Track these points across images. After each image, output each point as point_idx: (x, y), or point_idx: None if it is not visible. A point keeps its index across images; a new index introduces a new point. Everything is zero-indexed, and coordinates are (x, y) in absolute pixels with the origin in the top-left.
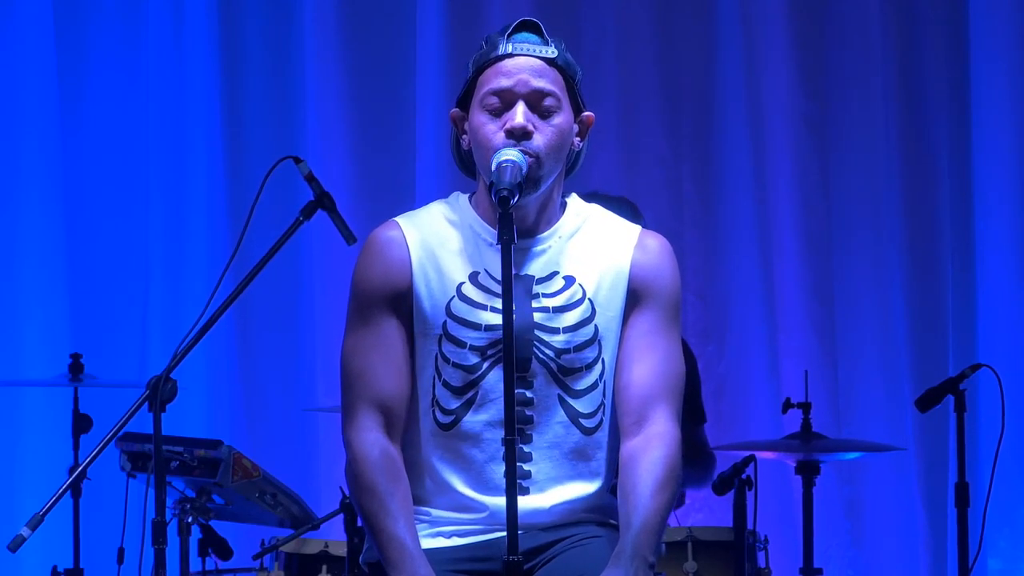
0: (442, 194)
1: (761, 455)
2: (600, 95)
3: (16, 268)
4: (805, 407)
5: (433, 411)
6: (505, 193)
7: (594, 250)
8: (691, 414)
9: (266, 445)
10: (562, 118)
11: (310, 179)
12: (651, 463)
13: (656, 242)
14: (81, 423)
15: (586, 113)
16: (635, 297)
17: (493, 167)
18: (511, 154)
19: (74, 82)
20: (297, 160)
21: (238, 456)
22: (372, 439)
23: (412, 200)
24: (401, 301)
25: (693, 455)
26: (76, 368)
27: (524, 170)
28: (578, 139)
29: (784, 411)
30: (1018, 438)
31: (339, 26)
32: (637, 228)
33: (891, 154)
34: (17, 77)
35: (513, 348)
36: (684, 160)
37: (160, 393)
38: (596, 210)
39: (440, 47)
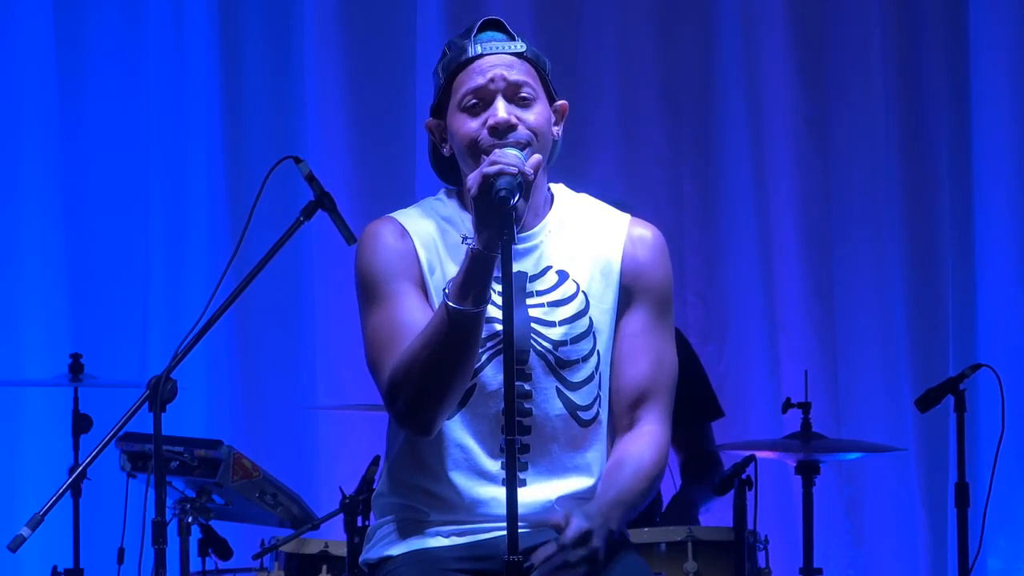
0: None
1: (761, 455)
2: (600, 94)
3: (16, 268)
4: (805, 407)
5: None
6: (504, 193)
7: (584, 242)
8: (701, 409)
9: (266, 445)
10: (541, 106)
11: (310, 179)
12: (640, 455)
13: (647, 233)
14: (81, 423)
15: (560, 101)
16: (627, 292)
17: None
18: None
19: (74, 82)
20: (297, 160)
21: (238, 456)
22: None
23: (412, 200)
24: (417, 279)
25: (702, 463)
26: (76, 368)
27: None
28: (556, 128)
29: (784, 411)
30: (1018, 438)
31: (339, 26)
32: (626, 217)
33: (891, 154)
34: (17, 77)
35: (513, 348)
36: (684, 160)
37: (160, 393)
38: (584, 199)
39: (440, 47)
